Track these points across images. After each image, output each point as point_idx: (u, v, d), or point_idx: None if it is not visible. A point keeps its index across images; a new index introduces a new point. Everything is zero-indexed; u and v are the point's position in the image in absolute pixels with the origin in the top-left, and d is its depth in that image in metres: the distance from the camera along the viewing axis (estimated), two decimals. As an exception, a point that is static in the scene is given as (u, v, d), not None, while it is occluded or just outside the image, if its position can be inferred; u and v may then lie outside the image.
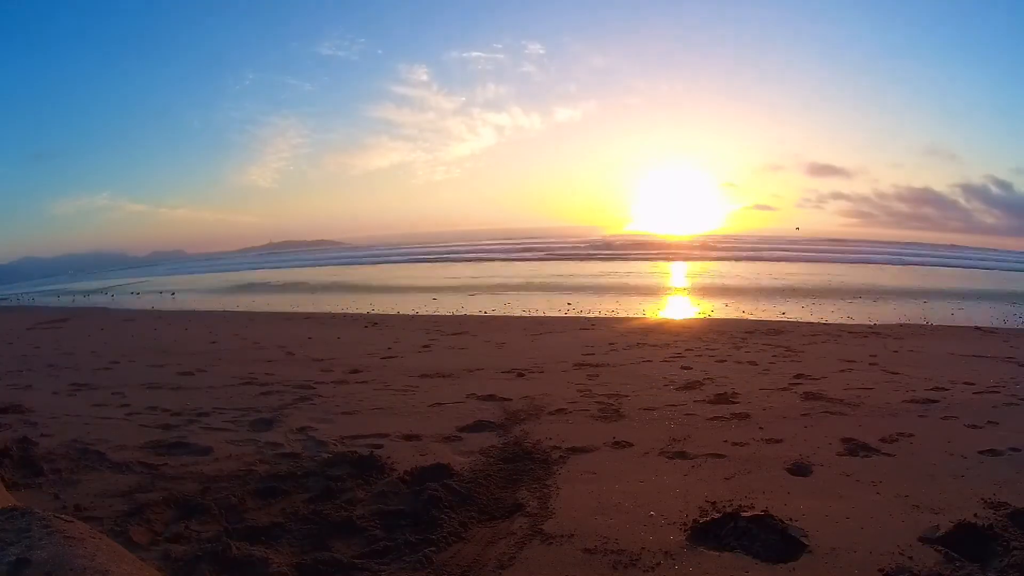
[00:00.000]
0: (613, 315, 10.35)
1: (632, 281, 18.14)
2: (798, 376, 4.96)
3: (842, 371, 5.23)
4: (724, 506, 2.32)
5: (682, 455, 3.01)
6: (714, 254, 32.17)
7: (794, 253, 32.14)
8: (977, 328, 8.65)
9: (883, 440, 3.15)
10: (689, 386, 4.62)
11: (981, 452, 2.93)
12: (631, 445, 3.19)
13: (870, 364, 5.59)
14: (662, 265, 25.78)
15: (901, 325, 8.99)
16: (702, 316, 10.13)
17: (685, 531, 2.17)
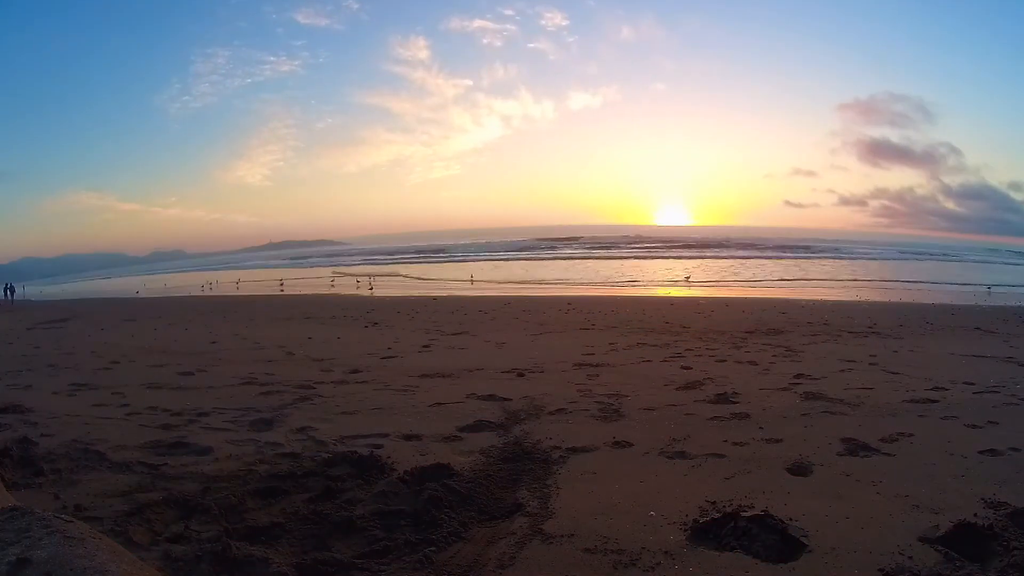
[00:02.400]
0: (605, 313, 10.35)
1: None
2: (798, 376, 4.96)
3: (842, 371, 5.23)
4: (724, 506, 2.32)
5: (682, 455, 3.01)
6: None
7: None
8: (977, 328, 8.65)
9: (883, 440, 3.14)
10: (689, 386, 4.62)
11: (981, 452, 2.92)
12: (631, 445, 3.19)
13: (870, 364, 5.59)
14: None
15: (901, 325, 9.00)
16: (701, 314, 10.13)
17: (685, 531, 2.17)
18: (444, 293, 15.62)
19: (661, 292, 16.10)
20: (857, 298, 14.58)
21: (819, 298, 13.99)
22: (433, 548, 2.07)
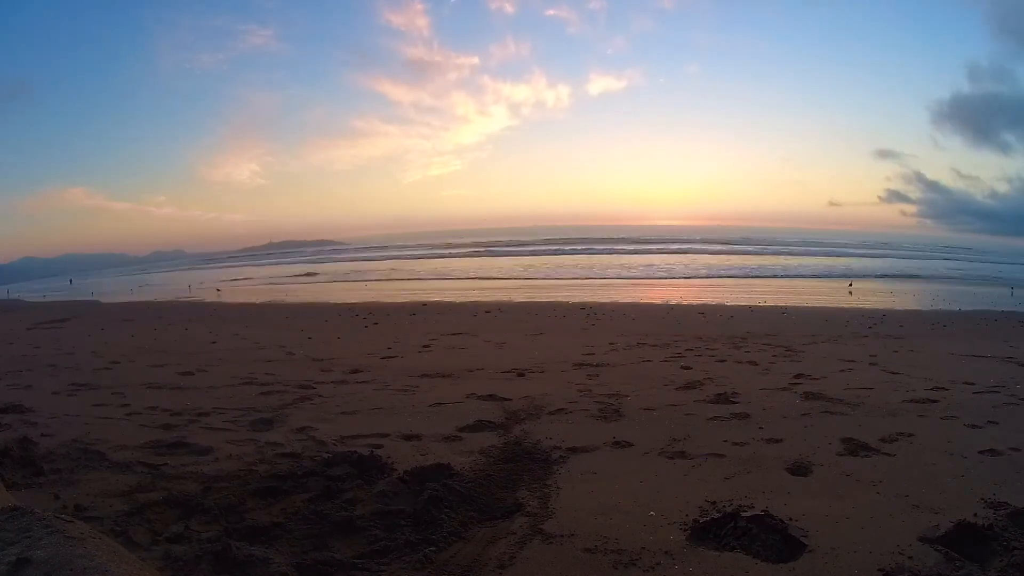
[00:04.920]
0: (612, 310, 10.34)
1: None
2: (798, 376, 4.96)
3: (842, 371, 5.23)
4: (724, 506, 2.32)
5: (682, 455, 3.01)
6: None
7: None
8: (977, 328, 8.65)
9: (883, 440, 3.15)
10: (689, 386, 4.62)
11: (981, 452, 2.92)
12: (631, 445, 3.19)
13: (870, 364, 5.59)
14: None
15: (901, 325, 9.00)
16: (702, 314, 10.13)
17: (685, 531, 2.17)
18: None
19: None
20: (855, 297, 14.59)
21: (822, 298, 14.00)
22: (433, 548, 2.07)
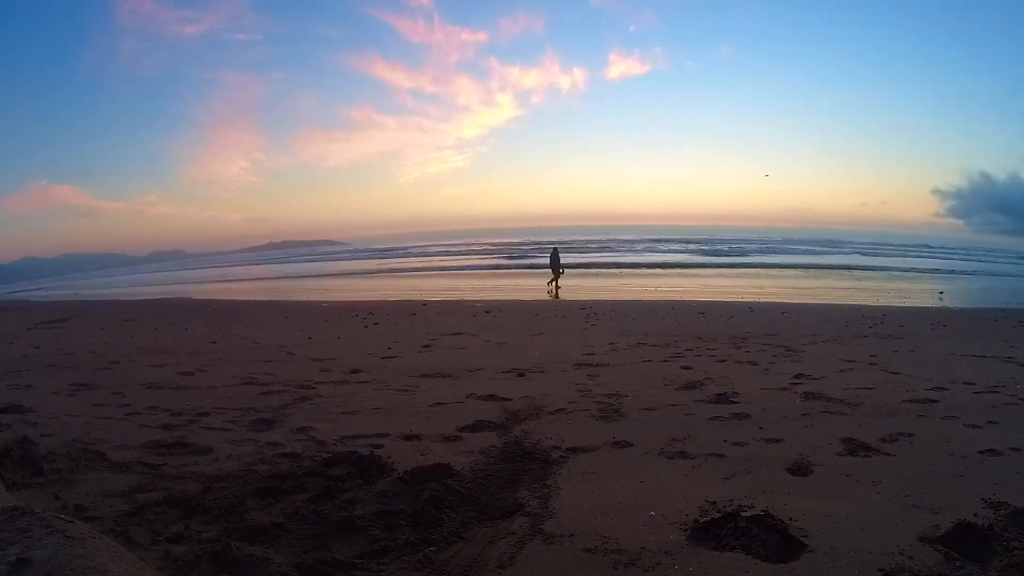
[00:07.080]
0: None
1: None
2: (798, 376, 4.96)
3: (842, 371, 5.23)
4: (724, 506, 2.32)
5: (682, 455, 3.01)
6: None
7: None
8: (977, 328, 8.65)
9: (883, 440, 3.15)
10: (689, 386, 4.62)
11: (981, 452, 2.92)
12: (631, 445, 3.19)
13: (870, 364, 5.60)
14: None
15: (901, 325, 9.00)
16: (702, 314, 10.13)
17: (685, 531, 2.17)
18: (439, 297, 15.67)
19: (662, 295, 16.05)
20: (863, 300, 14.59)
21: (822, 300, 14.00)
22: (433, 548, 2.07)
